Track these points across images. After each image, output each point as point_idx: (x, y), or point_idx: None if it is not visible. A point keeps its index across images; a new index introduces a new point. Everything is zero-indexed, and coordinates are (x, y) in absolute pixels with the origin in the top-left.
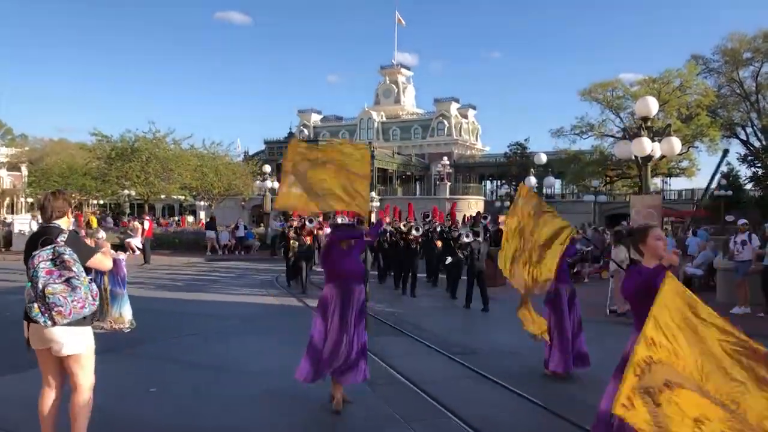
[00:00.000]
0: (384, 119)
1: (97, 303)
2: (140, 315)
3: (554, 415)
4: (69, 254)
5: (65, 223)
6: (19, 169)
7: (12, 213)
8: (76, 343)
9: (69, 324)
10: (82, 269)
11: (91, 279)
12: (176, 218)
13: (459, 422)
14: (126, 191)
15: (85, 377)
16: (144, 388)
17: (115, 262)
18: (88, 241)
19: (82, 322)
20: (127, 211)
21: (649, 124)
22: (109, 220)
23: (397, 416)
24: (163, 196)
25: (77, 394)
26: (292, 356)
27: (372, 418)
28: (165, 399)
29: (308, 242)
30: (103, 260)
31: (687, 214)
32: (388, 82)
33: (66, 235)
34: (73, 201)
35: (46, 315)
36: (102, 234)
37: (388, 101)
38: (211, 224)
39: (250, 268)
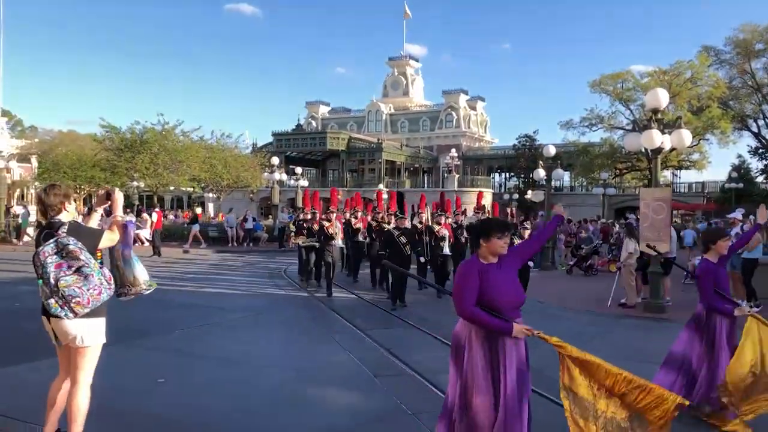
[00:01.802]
0: (392, 111)
1: (113, 286)
2: (149, 307)
3: (562, 408)
4: (74, 244)
5: (66, 215)
6: (29, 161)
7: (23, 204)
8: (92, 335)
9: (87, 316)
10: (90, 256)
11: (101, 263)
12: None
13: None
14: (135, 183)
15: (87, 371)
16: (152, 379)
17: (126, 226)
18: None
19: (97, 313)
20: (136, 202)
21: (659, 116)
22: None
23: (405, 408)
24: (172, 188)
25: (76, 388)
26: (300, 348)
27: (380, 410)
28: (173, 391)
29: (332, 234)
30: (111, 237)
31: (697, 207)
32: (396, 73)
33: (66, 227)
34: (70, 191)
35: (66, 308)
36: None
37: (397, 93)
38: (194, 219)
39: (259, 260)
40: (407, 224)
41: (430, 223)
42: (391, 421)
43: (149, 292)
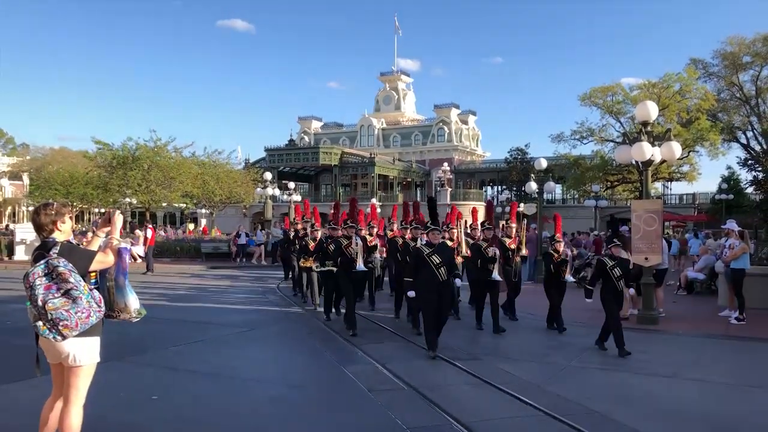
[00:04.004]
0: (384, 126)
1: (104, 308)
2: (142, 323)
3: (556, 420)
4: (63, 266)
5: (60, 235)
6: (20, 178)
7: (14, 222)
8: (87, 354)
9: (81, 335)
10: (80, 279)
11: (94, 285)
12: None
13: (461, 428)
14: (127, 199)
15: (81, 391)
16: (146, 396)
17: (120, 251)
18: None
19: (92, 332)
20: (129, 219)
21: (649, 128)
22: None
23: (399, 422)
24: (164, 204)
25: (69, 407)
26: (293, 363)
27: (374, 425)
28: (167, 407)
29: (352, 255)
30: (103, 259)
31: (688, 218)
32: (388, 88)
33: (59, 247)
34: (64, 209)
35: (54, 331)
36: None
37: (389, 108)
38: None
39: (252, 275)
40: (435, 239)
41: (461, 239)
42: None
43: (137, 320)
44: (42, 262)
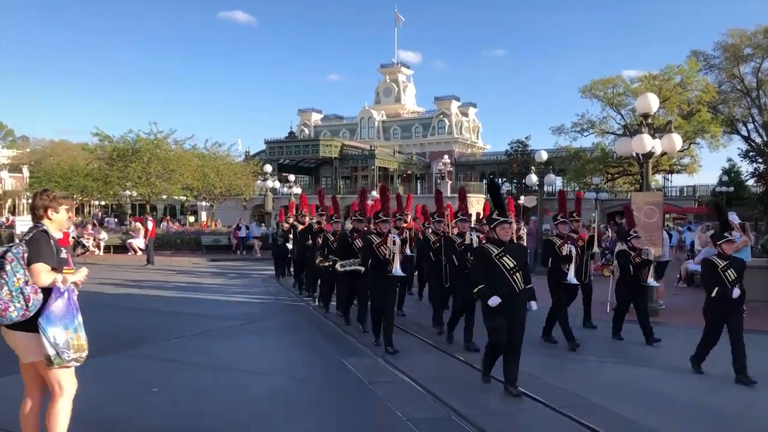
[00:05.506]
0: (384, 118)
1: (31, 310)
2: (142, 315)
3: (558, 413)
4: (13, 252)
5: (49, 224)
6: (20, 171)
7: (14, 214)
8: (36, 350)
9: (28, 329)
10: (18, 268)
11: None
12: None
13: (460, 419)
14: (127, 192)
15: (64, 384)
16: (145, 388)
17: (54, 289)
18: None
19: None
20: (129, 211)
21: (649, 120)
22: (110, 220)
23: (399, 414)
24: (164, 197)
25: (52, 402)
26: (293, 355)
27: (373, 417)
28: (166, 400)
29: (386, 255)
30: (38, 273)
31: (689, 210)
32: (388, 80)
33: (31, 234)
34: (63, 200)
35: None
36: (104, 235)
37: (389, 100)
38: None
39: (252, 267)
40: (505, 235)
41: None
42: (386, 428)
43: (54, 367)
44: (7, 245)
